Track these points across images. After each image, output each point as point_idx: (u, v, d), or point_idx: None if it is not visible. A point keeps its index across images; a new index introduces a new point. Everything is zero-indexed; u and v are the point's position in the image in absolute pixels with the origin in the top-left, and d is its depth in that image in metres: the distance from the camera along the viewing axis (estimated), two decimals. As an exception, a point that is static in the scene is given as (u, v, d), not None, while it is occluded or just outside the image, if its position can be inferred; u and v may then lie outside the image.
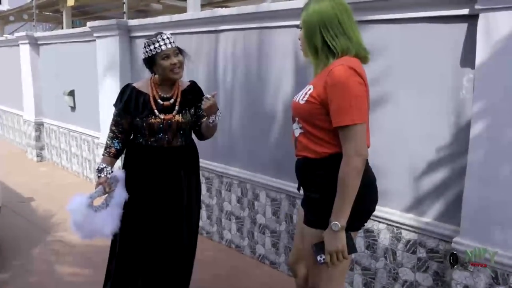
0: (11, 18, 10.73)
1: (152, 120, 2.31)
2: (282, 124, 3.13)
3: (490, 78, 2.04)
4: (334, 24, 1.66)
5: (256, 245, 3.41)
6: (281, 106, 3.12)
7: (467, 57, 2.18)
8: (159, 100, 2.35)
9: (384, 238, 2.60)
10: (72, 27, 8.33)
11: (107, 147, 2.41)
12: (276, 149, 3.20)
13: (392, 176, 2.49)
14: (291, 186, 3.03)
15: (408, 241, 2.49)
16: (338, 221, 1.58)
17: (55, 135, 6.39)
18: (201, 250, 2.71)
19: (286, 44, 3.03)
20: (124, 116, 2.37)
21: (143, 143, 2.37)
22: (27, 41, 6.43)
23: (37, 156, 6.70)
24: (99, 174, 2.32)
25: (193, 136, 2.55)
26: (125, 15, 5.32)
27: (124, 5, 5.35)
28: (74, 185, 5.40)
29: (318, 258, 1.65)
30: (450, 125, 2.29)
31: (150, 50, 2.27)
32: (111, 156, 2.39)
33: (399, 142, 2.48)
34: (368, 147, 1.67)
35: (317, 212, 1.69)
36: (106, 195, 2.33)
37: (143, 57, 2.33)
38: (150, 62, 2.32)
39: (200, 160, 2.60)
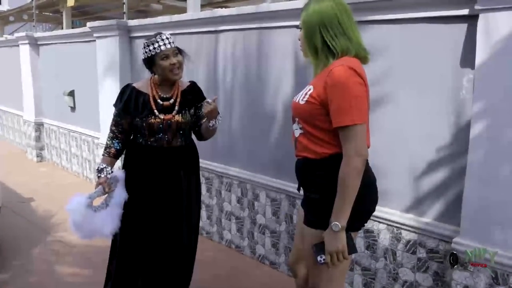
0: (11, 18, 10.73)
1: (152, 120, 2.31)
2: (282, 124, 3.13)
3: (490, 78, 2.04)
4: (334, 24, 1.66)
5: (256, 245, 3.41)
6: (281, 106, 3.12)
7: (467, 57, 2.18)
8: (159, 100, 2.35)
9: (384, 238, 2.60)
10: (72, 28, 8.34)
11: (107, 147, 2.41)
12: (276, 149, 3.20)
13: (392, 176, 2.49)
14: (291, 186, 3.03)
15: (408, 241, 2.49)
16: (339, 222, 1.58)
17: (55, 136, 6.39)
18: (201, 250, 2.71)
19: (286, 44, 3.03)
20: (124, 116, 2.37)
21: (143, 143, 2.37)
22: (27, 42, 6.43)
23: (37, 156, 6.70)
24: (99, 174, 2.33)
25: (193, 136, 2.56)
26: (125, 15, 5.32)
27: (124, 5, 5.35)
28: (74, 186, 5.40)
29: (318, 258, 1.65)
30: (450, 125, 2.29)
31: (150, 50, 2.27)
32: (111, 156, 2.39)
33: (399, 142, 2.48)
34: (368, 147, 1.67)
35: (317, 212, 1.69)
36: (106, 195, 2.34)
37: (143, 57, 2.34)
38: (150, 62, 2.32)
39: (200, 160, 2.60)
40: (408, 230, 2.48)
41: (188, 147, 2.46)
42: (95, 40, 4.92)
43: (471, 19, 2.14)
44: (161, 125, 2.32)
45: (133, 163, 2.42)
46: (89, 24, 4.89)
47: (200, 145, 2.58)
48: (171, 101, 2.37)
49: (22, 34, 6.59)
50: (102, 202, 2.33)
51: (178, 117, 2.34)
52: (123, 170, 2.44)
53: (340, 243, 1.60)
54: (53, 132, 6.43)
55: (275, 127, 3.20)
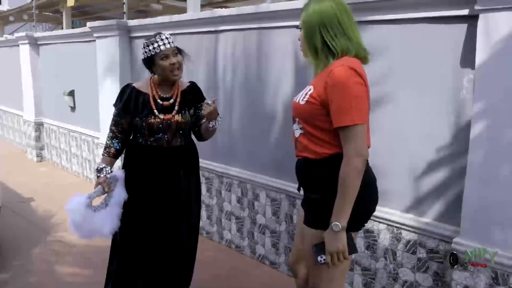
0: (11, 18, 10.73)
1: (152, 120, 2.31)
2: (282, 124, 3.13)
3: (490, 78, 2.04)
4: (334, 24, 1.66)
5: (256, 245, 3.41)
6: (281, 106, 3.12)
7: (467, 58, 2.18)
8: (158, 100, 2.35)
9: (384, 238, 2.60)
10: (72, 28, 8.34)
11: (106, 147, 2.41)
12: (276, 149, 3.20)
13: (392, 176, 2.49)
14: (291, 186, 3.03)
15: (408, 242, 2.49)
16: (339, 222, 1.58)
17: (55, 135, 6.38)
18: (201, 250, 2.71)
19: (286, 44, 3.03)
20: (123, 116, 2.37)
21: (143, 143, 2.37)
22: (27, 41, 6.43)
23: (37, 156, 6.70)
24: (98, 174, 2.33)
25: (193, 136, 2.56)
26: (125, 15, 5.32)
27: (124, 5, 5.35)
28: (74, 185, 5.40)
29: (319, 258, 1.65)
30: (450, 125, 2.29)
31: (149, 50, 2.28)
32: (110, 156, 2.39)
33: (399, 142, 2.48)
34: (369, 147, 1.67)
35: (317, 212, 1.69)
36: (105, 195, 2.33)
37: (143, 57, 2.34)
38: (149, 62, 2.32)
39: (200, 160, 2.61)
40: (408, 230, 2.48)
41: (187, 147, 2.46)
42: (95, 40, 4.91)
43: (471, 19, 2.14)
44: (160, 125, 2.32)
45: (133, 163, 2.43)
46: (89, 24, 4.89)
47: (200, 145, 2.58)
48: (171, 101, 2.37)
49: (22, 34, 6.58)
50: (102, 202, 2.33)
51: (177, 117, 2.35)
52: (123, 170, 2.44)
53: (341, 243, 1.60)
54: (53, 132, 6.43)
55: (275, 127, 3.20)
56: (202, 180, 3.76)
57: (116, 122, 2.40)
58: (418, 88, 2.38)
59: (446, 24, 2.26)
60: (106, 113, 4.73)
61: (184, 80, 2.51)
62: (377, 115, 2.46)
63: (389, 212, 2.55)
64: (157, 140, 2.35)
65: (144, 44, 2.31)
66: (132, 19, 4.81)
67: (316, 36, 1.68)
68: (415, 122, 2.41)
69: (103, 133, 4.91)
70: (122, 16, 5.40)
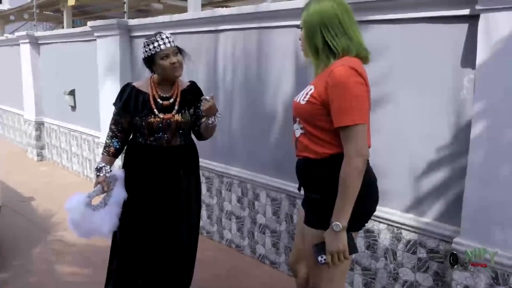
0: (12, 17, 10.73)
1: (152, 119, 2.31)
2: (282, 124, 3.13)
3: (490, 78, 2.04)
4: (335, 24, 1.65)
5: (256, 245, 3.41)
6: (281, 106, 3.12)
7: (468, 58, 2.18)
8: (158, 100, 2.35)
9: (385, 238, 2.60)
10: (73, 27, 8.33)
11: (106, 146, 2.41)
12: (276, 149, 3.20)
13: (392, 176, 2.49)
14: (292, 186, 3.03)
15: (409, 241, 2.49)
16: (339, 222, 1.58)
17: (55, 135, 6.39)
18: (201, 249, 2.71)
19: (286, 44, 3.03)
20: (123, 115, 2.37)
21: (143, 142, 2.38)
22: (27, 41, 6.43)
23: (38, 155, 6.70)
24: (98, 173, 2.33)
25: (193, 136, 2.55)
26: (125, 14, 5.32)
27: (125, 4, 5.34)
28: (74, 185, 5.40)
29: (319, 258, 1.65)
30: (450, 125, 2.29)
31: (150, 49, 2.27)
32: (110, 155, 2.39)
33: (399, 142, 2.48)
34: (369, 147, 1.67)
35: (318, 212, 1.69)
36: (105, 194, 2.33)
37: (143, 57, 2.34)
38: (150, 61, 2.32)
39: (201, 159, 2.60)
40: (409, 230, 2.48)
41: (187, 147, 2.46)
42: (95, 40, 4.92)
43: (472, 19, 2.14)
44: (160, 125, 2.32)
45: (133, 162, 2.43)
46: (89, 23, 4.89)
47: (200, 144, 2.58)
48: (171, 100, 2.37)
49: (23, 33, 6.59)
50: (101, 201, 2.33)
51: (177, 117, 2.34)
52: (123, 169, 2.44)
53: (341, 243, 1.60)
54: (53, 131, 6.43)
55: (275, 127, 3.20)
56: (203, 179, 3.76)
57: (116, 121, 2.40)
58: (418, 88, 2.38)
59: (446, 24, 2.25)
60: (107, 112, 4.73)
61: (184, 79, 2.52)
62: (377, 115, 2.46)
63: (389, 212, 2.55)
64: (157, 140, 2.35)
65: (144, 43, 2.31)
66: (133, 18, 4.81)
67: (317, 35, 1.67)
68: (415, 122, 2.41)
69: (103, 133, 4.91)
70: (123, 15, 5.40)
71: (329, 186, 1.63)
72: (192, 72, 3.64)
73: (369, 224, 2.62)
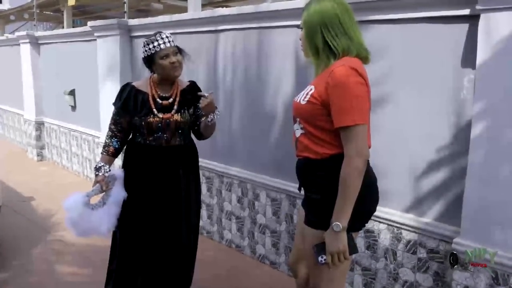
0: (12, 17, 10.73)
1: (151, 119, 2.31)
2: (282, 124, 3.13)
3: (490, 78, 2.04)
4: (335, 24, 1.65)
5: (257, 245, 3.41)
6: (281, 106, 3.12)
7: (468, 58, 2.18)
8: (158, 99, 2.35)
9: (385, 238, 2.59)
10: (73, 27, 8.33)
11: (105, 145, 2.41)
12: (276, 149, 3.20)
13: (393, 176, 2.49)
14: (292, 186, 3.03)
15: (409, 242, 2.49)
16: (340, 222, 1.58)
17: (55, 135, 6.39)
18: (201, 250, 2.71)
19: (286, 44, 3.03)
20: (123, 115, 2.37)
21: (142, 142, 2.38)
22: (27, 41, 6.43)
23: (38, 155, 6.70)
24: (97, 173, 2.32)
25: (192, 136, 2.55)
26: (125, 14, 5.32)
27: (125, 4, 5.34)
28: (74, 185, 5.40)
29: (319, 258, 1.65)
30: (450, 125, 2.29)
31: (149, 49, 2.27)
32: (109, 154, 2.39)
33: (399, 142, 2.48)
34: (370, 147, 1.67)
35: (318, 212, 1.69)
36: (104, 193, 2.33)
37: (143, 56, 2.34)
38: (149, 61, 2.32)
39: (201, 159, 2.60)
40: (409, 230, 2.48)
41: (187, 146, 2.46)
42: (95, 40, 4.92)
43: (472, 19, 2.14)
44: (159, 124, 2.32)
45: (132, 162, 2.43)
46: (89, 23, 4.89)
47: (200, 144, 2.58)
48: (170, 100, 2.37)
49: (23, 33, 6.59)
50: (99, 200, 2.33)
51: (177, 116, 2.34)
52: (122, 169, 2.44)
53: (341, 244, 1.59)
54: (53, 131, 6.43)
55: (275, 127, 3.20)
56: (203, 179, 3.76)
57: (116, 121, 2.40)
58: (418, 88, 2.38)
59: (447, 24, 2.25)
60: (107, 112, 4.72)
61: (185, 79, 2.51)
62: (377, 115, 2.46)
63: (389, 212, 2.55)
64: (156, 139, 2.35)
65: (144, 42, 2.31)
66: (133, 18, 4.81)
67: (317, 35, 1.67)
68: (415, 122, 2.41)
69: (103, 133, 4.91)
70: (123, 15, 5.40)
71: (329, 186, 1.63)
72: (192, 72, 3.64)
73: (369, 224, 2.62)
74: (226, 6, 6.19)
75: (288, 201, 3.14)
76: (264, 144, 3.29)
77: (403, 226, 2.50)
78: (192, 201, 2.48)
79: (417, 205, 2.46)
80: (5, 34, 8.87)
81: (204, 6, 6.79)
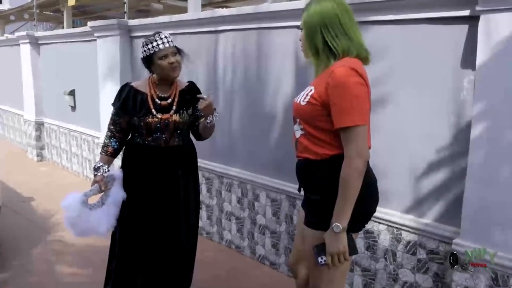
0: (12, 17, 10.74)
1: (150, 119, 2.31)
2: (282, 124, 3.13)
3: (490, 79, 2.04)
4: (335, 24, 1.65)
5: (256, 246, 3.41)
6: (281, 106, 3.12)
7: (468, 59, 2.18)
8: (156, 100, 2.35)
9: (384, 239, 2.59)
10: (73, 27, 8.34)
11: (104, 145, 2.41)
12: (276, 150, 3.20)
13: (392, 177, 2.49)
14: (291, 186, 3.03)
15: (408, 242, 2.49)
16: (340, 223, 1.58)
17: (55, 135, 6.39)
18: (201, 250, 2.71)
19: (286, 44, 3.03)
20: (122, 115, 2.37)
21: (141, 142, 2.37)
22: (27, 41, 6.43)
23: (38, 155, 6.70)
24: (96, 173, 2.32)
25: (191, 136, 2.55)
26: (125, 15, 5.32)
27: (125, 5, 5.35)
28: (74, 185, 5.40)
29: (319, 259, 1.65)
30: (450, 126, 2.29)
31: (148, 49, 2.28)
32: (108, 155, 2.39)
33: (399, 143, 2.48)
34: (370, 148, 1.67)
35: (318, 213, 1.69)
36: (102, 193, 2.33)
37: (141, 56, 2.34)
38: (148, 61, 2.32)
39: (201, 160, 2.60)
40: (408, 231, 2.48)
41: (186, 147, 2.46)
42: (95, 40, 4.92)
43: (472, 20, 2.14)
44: (158, 125, 2.32)
45: (131, 162, 2.43)
46: (89, 23, 4.89)
47: (200, 145, 2.58)
48: (169, 100, 2.36)
49: (23, 33, 6.59)
50: (98, 200, 2.32)
51: (175, 117, 2.34)
52: (121, 169, 2.43)
53: (341, 244, 1.59)
54: (53, 132, 6.43)
55: (275, 127, 3.20)
56: (202, 180, 3.76)
57: (115, 121, 2.40)
58: (418, 89, 2.38)
59: (446, 25, 2.25)
60: (107, 112, 4.71)
61: (184, 80, 2.51)
62: (378, 115, 2.46)
63: (389, 213, 2.55)
64: (155, 140, 2.35)
65: (143, 43, 2.31)
66: (133, 18, 4.81)
67: (317, 36, 1.67)
68: (415, 122, 2.41)
69: (103, 133, 4.91)
70: (123, 15, 5.40)
71: (329, 187, 1.63)
72: (192, 72, 3.64)
73: (369, 225, 2.62)
74: (226, 7, 6.20)
75: (288, 202, 3.14)
76: (264, 144, 3.29)
77: (403, 227, 2.50)
78: (191, 202, 2.48)
79: (417, 205, 2.46)
80: (5, 34, 8.88)
81: (204, 6, 6.80)
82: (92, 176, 2.48)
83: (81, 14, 9.63)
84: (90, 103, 5.32)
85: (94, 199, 2.29)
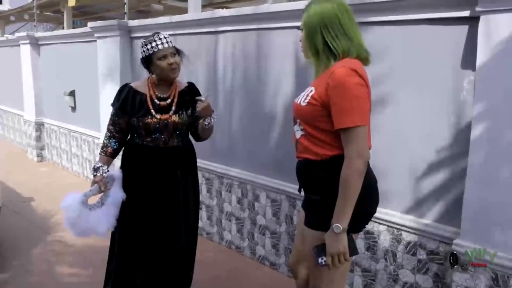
0: (12, 18, 10.75)
1: (149, 120, 2.31)
2: (282, 124, 3.13)
3: (490, 80, 2.04)
4: (335, 25, 1.65)
5: (256, 246, 3.41)
6: (281, 107, 3.12)
7: (468, 59, 2.18)
8: (156, 100, 2.35)
9: (385, 239, 2.59)
10: (73, 28, 8.34)
11: (104, 146, 2.41)
12: (276, 150, 3.20)
13: (393, 177, 2.49)
14: (292, 187, 3.03)
15: (409, 243, 2.49)
16: (340, 223, 1.58)
17: (55, 135, 6.39)
18: (201, 251, 2.71)
19: (286, 45, 3.03)
20: (121, 116, 2.37)
21: (140, 143, 2.38)
22: (28, 41, 6.43)
23: (38, 156, 6.70)
24: (95, 173, 2.32)
25: (190, 137, 2.55)
26: (126, 15, 5.32)
27: (125, 5, 5.35)
28: (74, 185, 5.40)
29: (319, 260, 1.65)
30: (450, 126, 2.29)
31: (147, 49, 2.28)
32: (107, 155, 2.39)
33: (399, 143, 2.48)
34: (370, 148, 1.67)
35: (318, 214, 1.69)
36: (102, 194, 2.33)
37: (141, 57, 2.34)
38: (147, 61, 2.32)
39: (201, 160, 2.60)
40: (409, 232, 2.48)
41: (185, 148, 2.46)
42: (95, 40, 4.92)
43: (472, 21, 2.14)
44: (157, 125, 2.32)
45: (130, 163, 2.43)
46: (90, 24, 4.89)
47: (200, 145, 2.58)
48: (168, 101, 2.36)
49: (23, 34, 6.59)
50: (98, 201, 2.32)
51: (174, 117, 2.34)
52: (121, 169, 2.43)
53: (341, 245, 1.59)
54: (53, 132, 6.43)
55: (275, 127, 3.20)
56: (203, 180, 3.76)
57: (114, 121, 2.40)
58: (418, 89, 2.38)
59: (447, 26, 2.26)
60: (107, 113, 4.69)
61: (184, 80, 2.51)
62: (378, 116, 2.46)
63: (389, 213, 2.55)
64: (154, 140, 2.35)
65: (142, 43, 2.31)
66: (133, 19, 4.81)
67: (317, 37, 1.67)
68: (415, 123, 2.41)
69: (103, 133, 4.91)
70: (123, 16, 5.41)
71: (330, 187, 1.63)
72: (192, 73, 3.64)
73: (369, 226, 2.62)
74: (226, 7, 6.20)
75: (288, 202, 3.14)
76: (264, 145, 3.29)
77: (403, 228, 2.50)
78: (191, 202, 2.48)
79: (417, 206, 2.46)
80: (5, 35, 8.88)
81: (204, 7, 6.80)
82: (92, 177, 2.48)
83: (81, 15, 9.63)
84: (90, 103, 5.32)
85: (93, 200, 2.29)
